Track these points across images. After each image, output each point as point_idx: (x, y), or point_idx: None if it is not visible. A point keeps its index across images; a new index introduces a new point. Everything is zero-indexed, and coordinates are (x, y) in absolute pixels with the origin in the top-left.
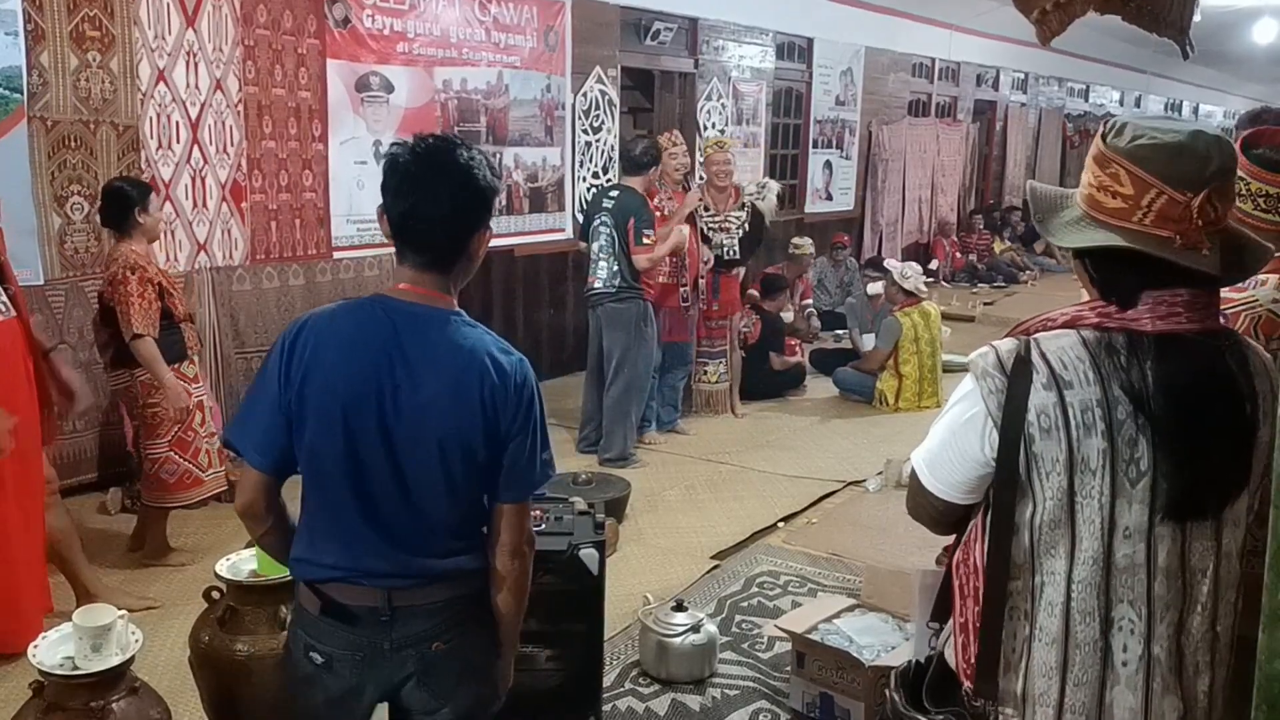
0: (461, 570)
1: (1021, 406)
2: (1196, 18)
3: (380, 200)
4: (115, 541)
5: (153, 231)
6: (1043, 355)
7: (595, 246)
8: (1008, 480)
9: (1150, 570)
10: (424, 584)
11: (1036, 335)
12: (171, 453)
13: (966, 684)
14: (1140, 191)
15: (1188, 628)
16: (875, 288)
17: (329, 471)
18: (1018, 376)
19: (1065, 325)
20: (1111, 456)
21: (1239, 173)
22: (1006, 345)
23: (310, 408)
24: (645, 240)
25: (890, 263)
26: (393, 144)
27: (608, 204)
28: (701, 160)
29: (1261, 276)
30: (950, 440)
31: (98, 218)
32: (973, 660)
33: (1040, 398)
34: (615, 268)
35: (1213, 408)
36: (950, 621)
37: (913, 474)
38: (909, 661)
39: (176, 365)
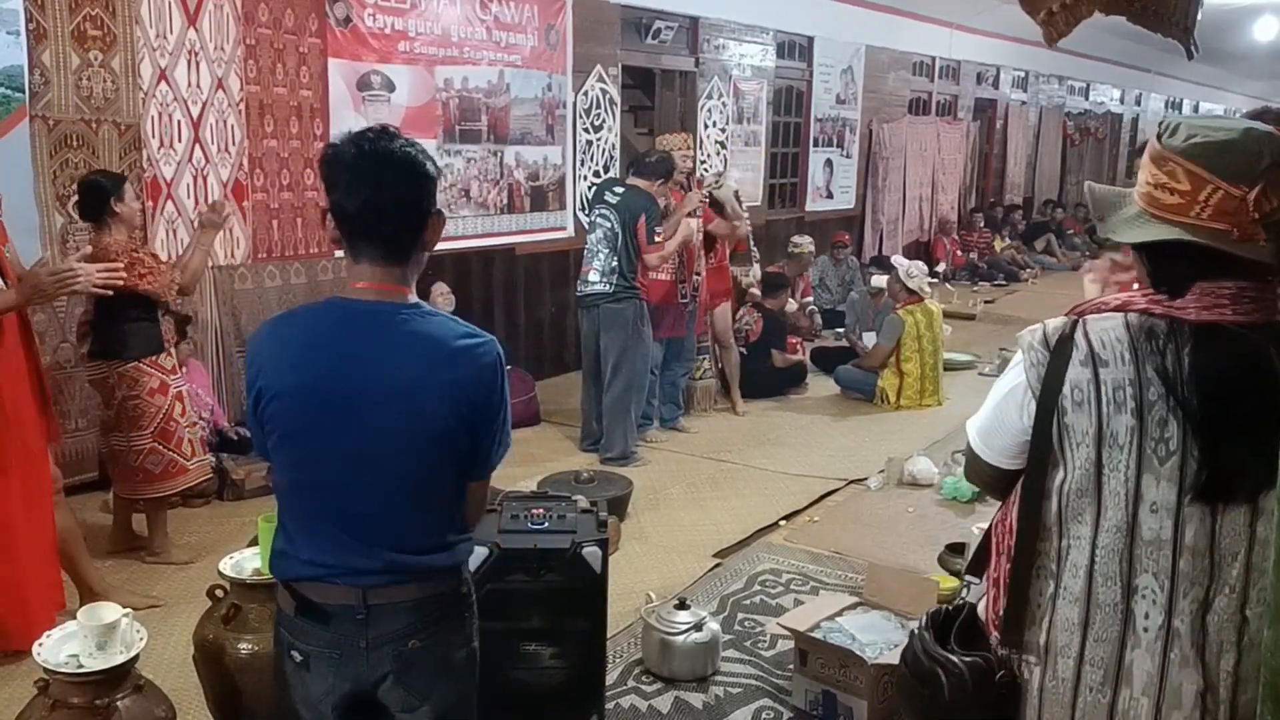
0: (436, 568)
1: (1058, 380)
2: (1200, 17)
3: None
4: (119, 540)
5: (132, 221)
6: (1085, 334)
7: (591, 239)
8: (1041, 448)
9: (1176, 546)
10: (399, 582)
11: (1086, 315)
12: (155, 443)
13: (995, 634)
14: (1197, 187)
15: (1214, 606)
16: (879, 281)
17: (298, 473)
18: (1059, 352)
19: (1116, 309)
20: (1139, 434)
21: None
22: (1055, 323)
23: (274, 414)
24: (657, 238)
25: (897, 259)
26: (329, 144)
27: (611, 199)
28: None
29: None
30: (997, 409)
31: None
32: (1001, 613)
33: (1076, 373)
34: (614, 264)
35: (1245, 398)
36: (985, 576)
37: (969, 441)
38: (940, 607)
39: (154, 357)
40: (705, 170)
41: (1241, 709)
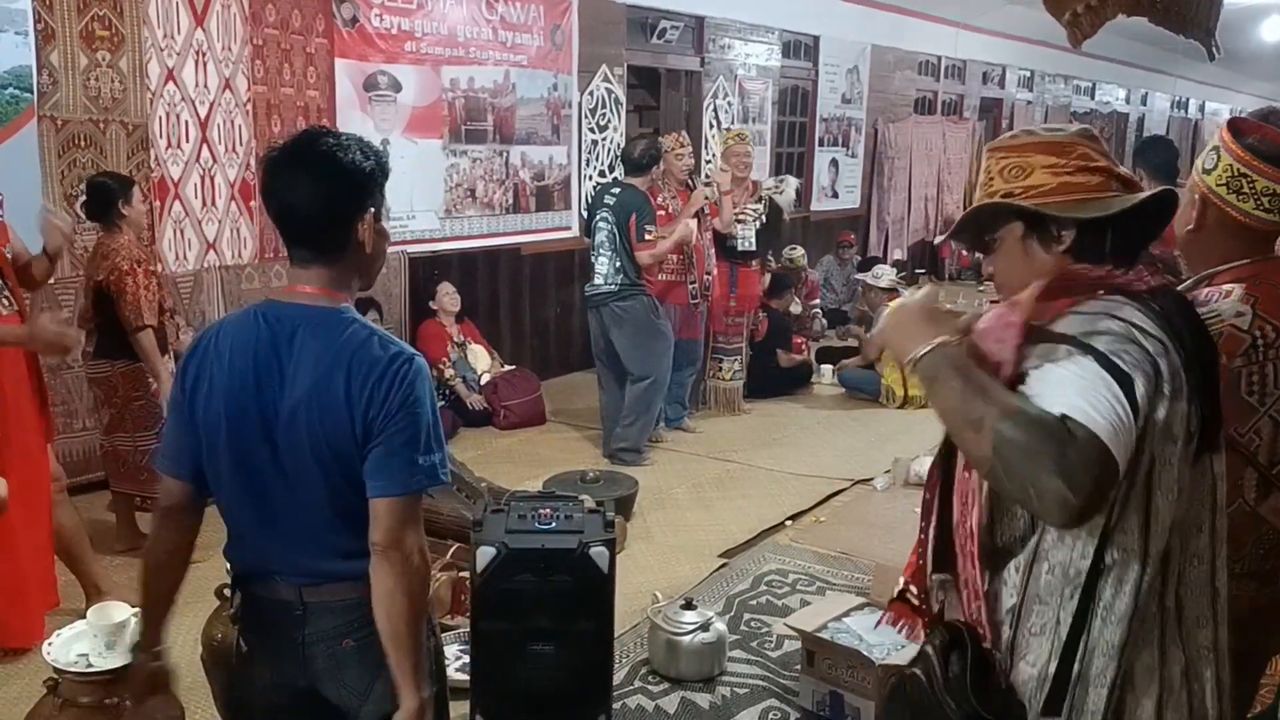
0: (365, 572)
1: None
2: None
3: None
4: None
5: (138, 223)
6: (1129, 321)
7: (595, 242)
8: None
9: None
10: (332, 581)
11: (1098, 303)
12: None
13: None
14: (1109, 162)
15: (1186, 579)
16: (883, 277)
17: (224, 481)
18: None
19: (1118, 290)
20: (1186, 420)
21: (1240, 168)
22: (1135, 315)
23: (200, 420)
24: (648, 236)
25: (859, 275)
26: (267, 149)
27: (609, 200)
28: (720, 152)
29: (1226, 287)
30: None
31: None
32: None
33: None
34: (617, 264)
35: (1210, 351)
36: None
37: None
38: (944, 635)
39: (163, 358)
40: (708, 173)
41: (1224, 685)
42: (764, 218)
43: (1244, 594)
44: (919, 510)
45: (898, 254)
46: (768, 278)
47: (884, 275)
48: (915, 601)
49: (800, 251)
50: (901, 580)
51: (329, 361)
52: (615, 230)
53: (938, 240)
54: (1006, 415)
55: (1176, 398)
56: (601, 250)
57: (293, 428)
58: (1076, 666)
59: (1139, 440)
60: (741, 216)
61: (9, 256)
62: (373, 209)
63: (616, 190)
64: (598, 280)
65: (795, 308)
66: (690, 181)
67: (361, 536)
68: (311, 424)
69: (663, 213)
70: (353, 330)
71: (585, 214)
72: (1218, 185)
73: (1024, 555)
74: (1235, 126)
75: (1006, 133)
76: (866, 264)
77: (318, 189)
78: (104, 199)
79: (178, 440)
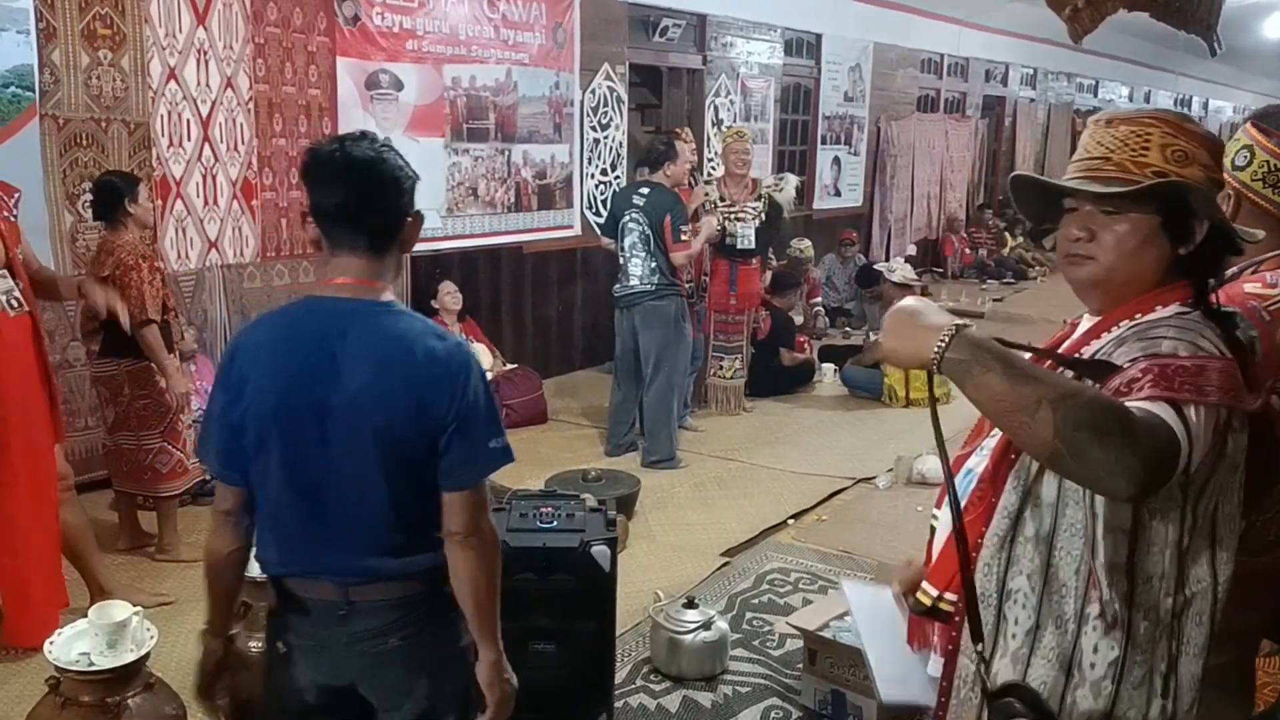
0: (417, 568)
1: None
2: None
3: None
4: (127, 537)
5: (143, 221)
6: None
7: (626, 244)
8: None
9: None
10: (378, 580)
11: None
12: (165, 443)
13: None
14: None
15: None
16: (897, 271)
17: (272, 476)
18: None
19: (1191, 314)
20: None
21: (1275, 163)
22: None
23: (249, 416)
24: (683, 236)
25: (879, 265)
26: (309, 148)
27: (638, 200)
28: (720, 149)
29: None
30: None
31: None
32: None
33: None
34: (653, 264)
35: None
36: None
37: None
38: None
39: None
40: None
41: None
42: (763, 215)
43: None
44: (936, 513)
45: (911, 249)
46: (769, 275)
47: (898, 269)
48: (949, 609)
49: (807, 243)
50: (932, 590)
51: (388, 352)
52: (649, 231)
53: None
54: (1065, 395)
55: (1243, 427)
56: (635, 251)
57: (352, 420)
58: (1171, 707)
59: (1210, 470)
60: (741, 214)
61: (21, 258)
62: (413, 210)
63: (646, 190)
64: (632, 281)
65: (798, 315)
66: (693, 178)
67: (413, 531)
68: (374, 414)
69: None
70: (407, 321)
71: (607, 214)
72: (1253, 180)
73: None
74: (1262, 126)
75: (1164, 110)
76: (863, 273)
77: (379, 189)
78: (111, 198)
79: (226, 444)
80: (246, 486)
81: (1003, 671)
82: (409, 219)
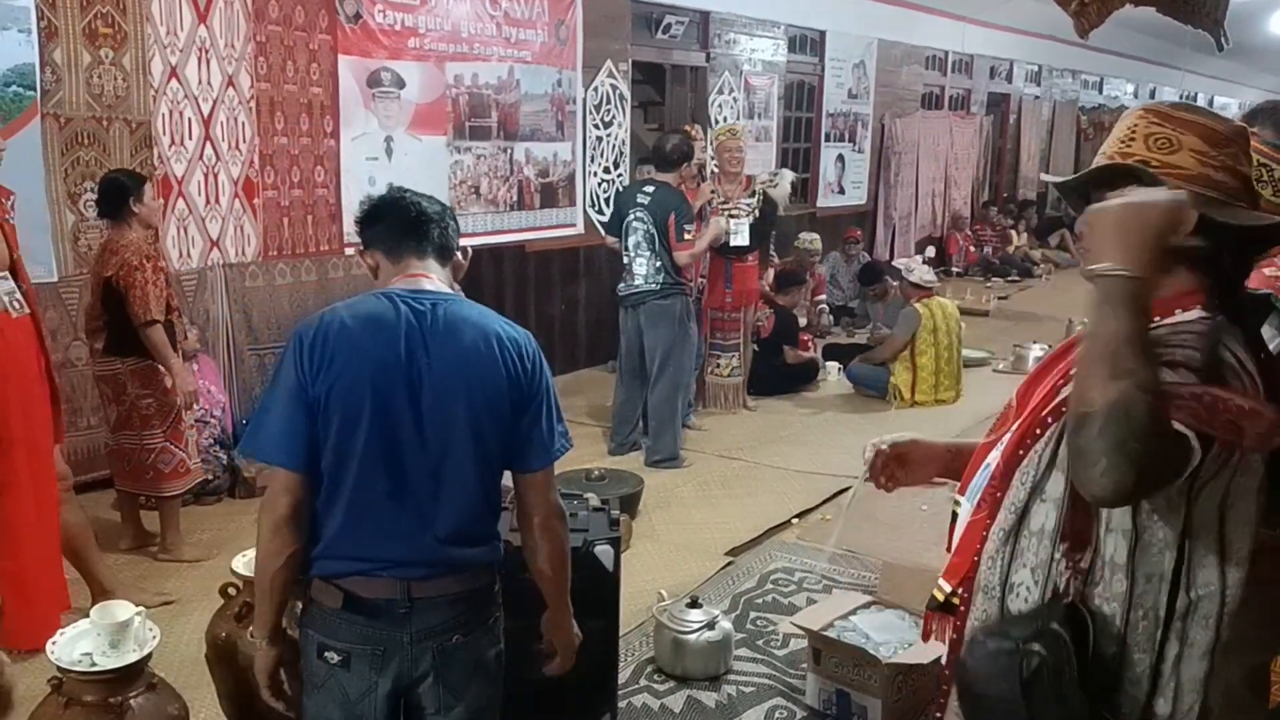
0: (477, 563)
1: None
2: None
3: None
4: (130, 537)
5: (148, 220)
6: None
7: (630, 243)
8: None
9: None
10: (441, 574)
11: None
12: (168, 443)
13: None
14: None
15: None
16: (915, 271)
17: (359, 462)
18: None
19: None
20: None
21: (1259, 159)
22: None
23: (335, 402)
24: (687, 236)
25: (899, 260)
26: (367, 199)
27: (643, 199)
28: (714, 147)
29: None
30: None
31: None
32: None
33: None
34: (658, 264)
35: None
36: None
37: None
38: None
39: None
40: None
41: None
42: (757, 212)
43: None
44: (959, 499)
45: (930, 251)
46: (770, 273)
47: (917, 270)
48: (959, 605)
49: (815, 237)
50: (946, 585)
51: (476, 330)
52: (654, 230)
53: (1049, 178)
54: (1147, 390)
55: None
56: (639, 251)
57: (445, 394)
58: (1169, 707)
59: (1212, 475)
60: (735, 211)
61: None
62: (464, 247)
63: (650, 189)
64: (637, 281)
65: (802, 315)
66: (701, 175)
67: (485, 519)
68: (469, 387)
69: None
70: (480, 309)
71: (611, 212)
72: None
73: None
74: (1246, 123)
75: (1169, 103)
76: (866, 271)
77: (445, 208)
78: (116, 196)
79: (296, 430)
80: (309, 474)
81: None
82: (459, 250)
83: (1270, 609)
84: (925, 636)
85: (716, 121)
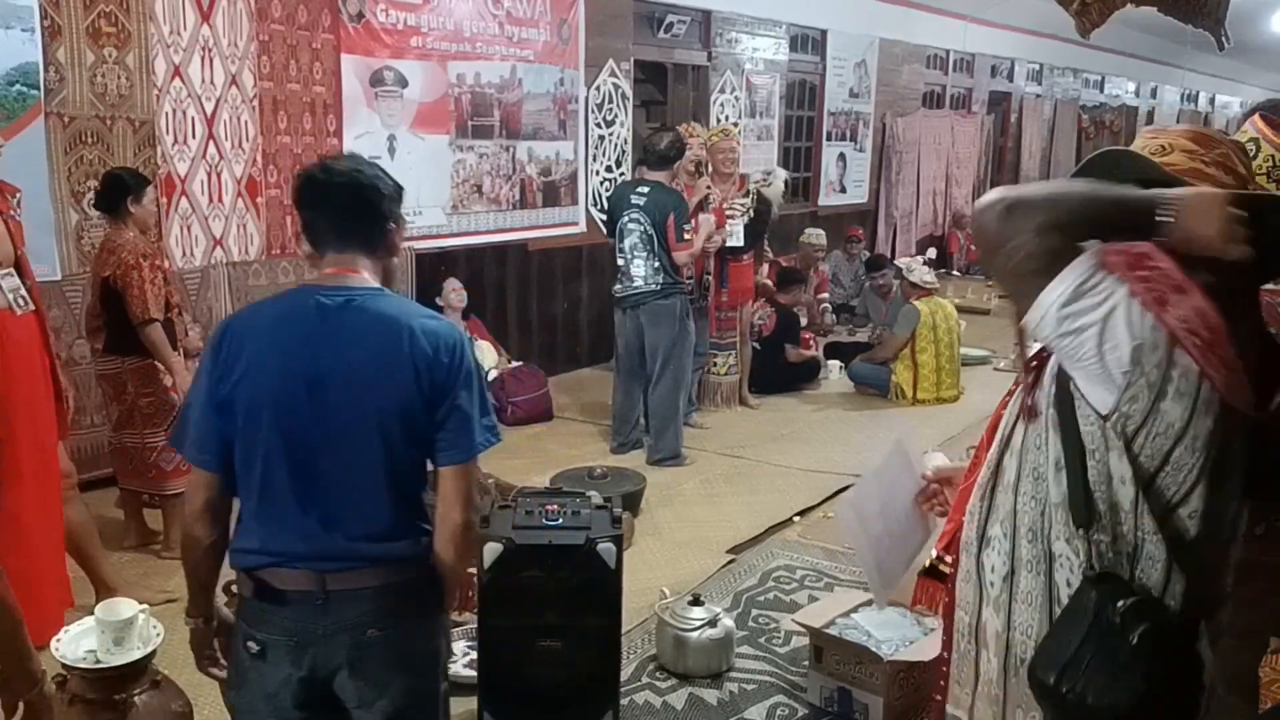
0: (396, 556)
1: None
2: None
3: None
4: (133, 535)
5: (143, 223)
6: None
7: (627, 244)
8: None
9: None
10: (357, 568)
11: None
12: (169, 441)
13: None
14: (1249, 178)
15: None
16: (915, 271)
17: (263, 459)
18: None
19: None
20: None
21: (1274, 152)
22: None
23: (240, 402)
24: (686, 236)
25: (900, 260)
26: (300, 171)
27: (638, 200)
28: (707, 149)
29: None
30: None
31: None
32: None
33: None
34: (656, 264)
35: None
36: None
37: None
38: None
39: None
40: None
41: None
42: (751, 212)
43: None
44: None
45: (932, 253)
46: (765, 268)
47: (917, 270)
48: (947, 570)
49: (820, 232)
50: (934, 552)
51: (387, 330)
52: (652, 231)
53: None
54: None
55: (1203, 407)
56: (636, 252)
57: (352, 393)
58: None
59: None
60: (730, 211)
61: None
62: (398, 221)
63: (645, 189)
64: (636, 282)
65: (803, 316)
66: (699, 173)
67: (402, 510)
68: (375, 384)
69: None
70: (399, 302)
71: (606, 213)
72: (1258, 174)
73: None
74: (1270, 119)
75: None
76: (874, 260)
77: (367, 188)
78: (115, 192)
79: (208, 428)
80: (223, 473)
81: (989, 621)
82: (391, 226)
83: (1257, 608)
84: (913, 603)
85: (718, 120)
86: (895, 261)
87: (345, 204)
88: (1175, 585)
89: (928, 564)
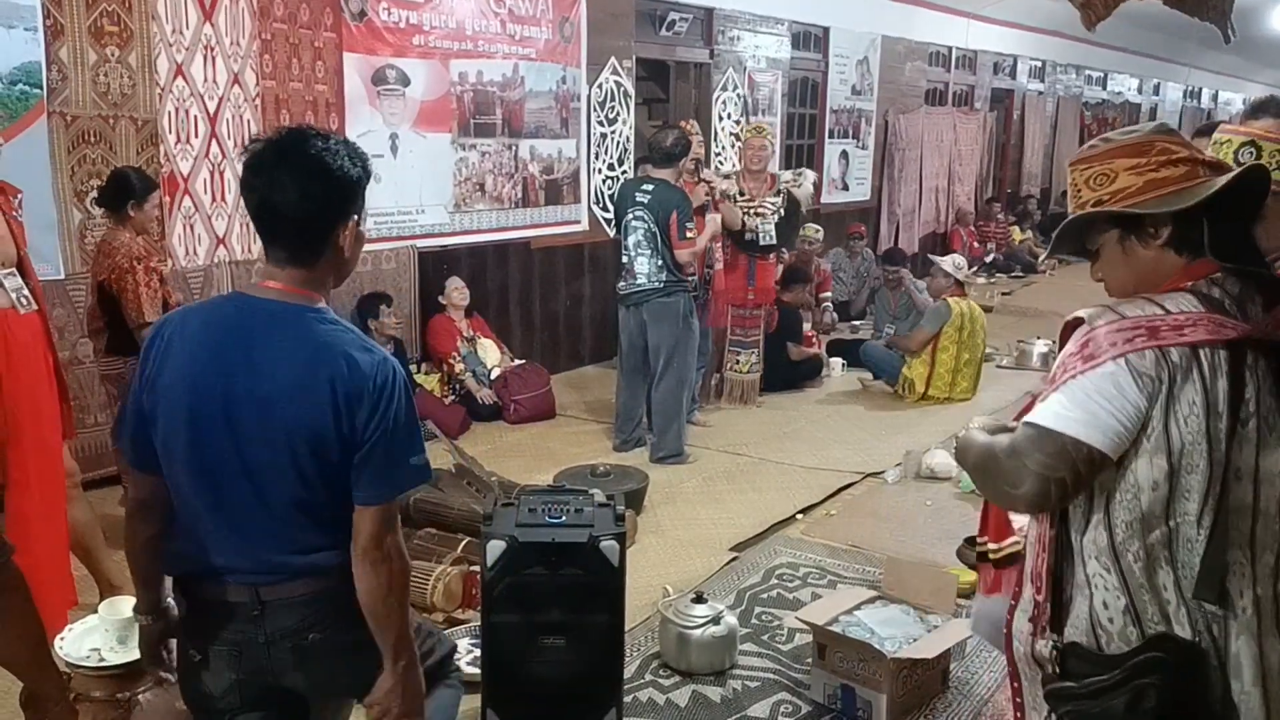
0: (325, 566)
1: None
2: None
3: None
4: None
5: (141, 227)
6: None
7: (631, 242)
8: None
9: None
10: (288, 579)
11: None
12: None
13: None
14: (1194, 153)
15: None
16: (948, 264)
17: (182, 470)
18: None
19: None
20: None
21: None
22: None
23: (160, 405)
24: (689, 234)
25: (940, 258)
26: (250, 140)
27: (642, 198)
28: (739, 145)
29: None
30: None
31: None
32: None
33: None
34: (660, 262)
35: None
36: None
37: None
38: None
39: None
40: (716, 164)
41: None
42: (782, 211)
43: None
44: None
45: (959, 258)
46: (779, 269)
47: (961, 266)
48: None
49: (816, 227)
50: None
51: (310, 358)
52: (656, 229)
53: (1041, 261)
54: None
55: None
56: (640, 250)
57: (266, 419)
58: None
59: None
60: (760, 210)
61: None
62: (355, 216)
63: (649, 187)
64: (639, 280)
65: (807, 321)
66: (698, 171)
67: (325, 532)
68: (289, 418)
69: None
70: (333, 330)
71: (612, 211)
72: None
73: None
74: (1251, 117)
75: (1085, 146)
76: (890, 253)
77: (305, 194)
78: (118, 192)
79: (137, 430)
80: (158, 474)
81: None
82: (340, 227)
83: None
84: (987, 590)
85: (721, 118)
86: (928, 258)
87: (287, 201)
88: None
89: (975, 554)
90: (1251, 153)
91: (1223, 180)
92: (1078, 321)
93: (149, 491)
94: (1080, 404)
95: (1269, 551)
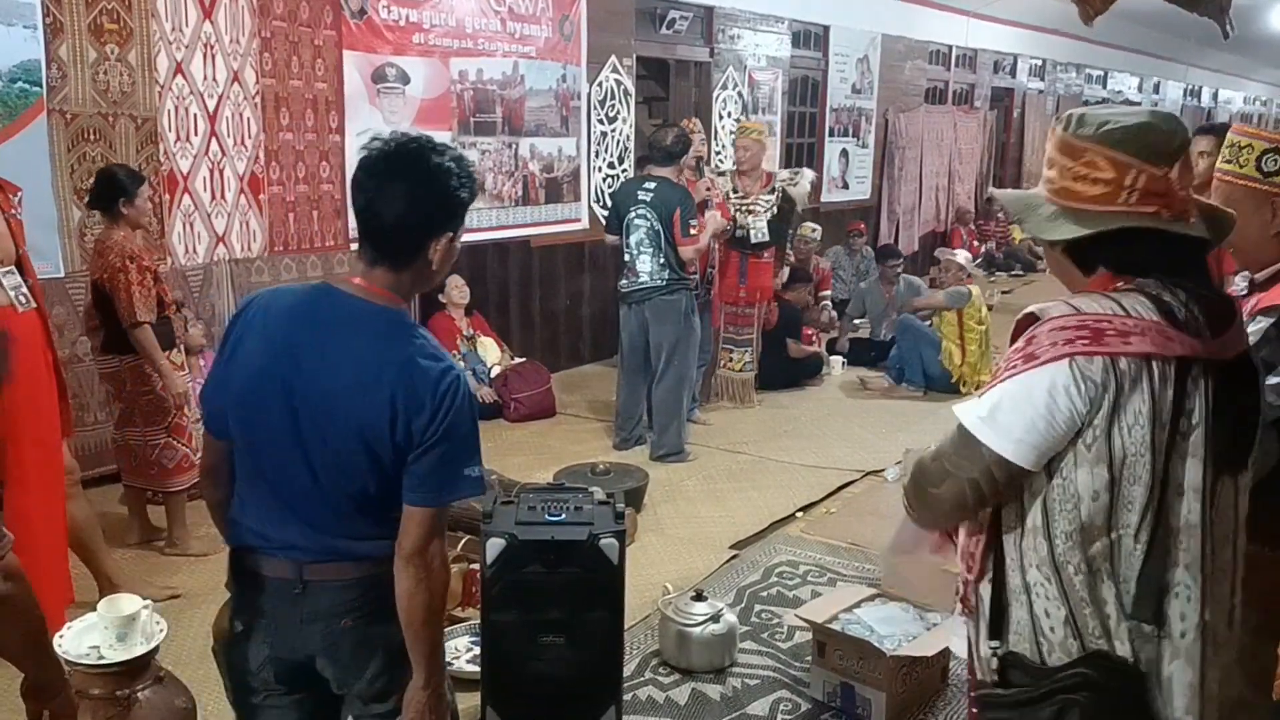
0: (371, 554)
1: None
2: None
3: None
4: (137, 531)
5: (136, 223)
6: None
7: (633, 240)
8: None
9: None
10: (334, 559)
11: None
12: (170, 438)
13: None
14: (1121, 173)
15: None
16: (962, 257)
17: (248, 442)
18: None
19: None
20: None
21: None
22: None
23: (236, 378)
24: (692, 231)
25: (950, 251)
26: (373, 138)
27: (644, 196)
28: (733, 143)
29: None
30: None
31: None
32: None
33: None
34: (662, 260)
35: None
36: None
37: None
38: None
39: (166, 353)
40: (717, 162)
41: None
42: (775, 209)
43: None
44: None
45: (966, 254)
46: (786, 271)
47: (960, 254)
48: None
49: (814, 226)
50: None
51: (377, 359)
52: (659, 226)
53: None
54: None
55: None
56: (643, 248)
57: (325, 411)
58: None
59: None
60: (754, 208)
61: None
62: (452, 232)
63: (651, 185)
64: (641, 278)
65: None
66: (699, 169)
67: (375, 523)
68: (347, 414)
69: None
70: (406, 336)
71: (612, 209)
72: (1271, 175)
73: None
74: (1241, 129)
75: (1082, 115)
76: (885, 249)
77: (411, 208)
78: (108, 191)
79: (212, 397)
80: (229, 440)
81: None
82: (435, 240)
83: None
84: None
85: (721, 117)
86: (935, 252)
87: (392, 212)
88: None
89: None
90: (1276, 160)
91: (1105, 227)
92: (1031, 318)
93: (220, 457)
94: (1006, 409)
95: (1225, 576)
